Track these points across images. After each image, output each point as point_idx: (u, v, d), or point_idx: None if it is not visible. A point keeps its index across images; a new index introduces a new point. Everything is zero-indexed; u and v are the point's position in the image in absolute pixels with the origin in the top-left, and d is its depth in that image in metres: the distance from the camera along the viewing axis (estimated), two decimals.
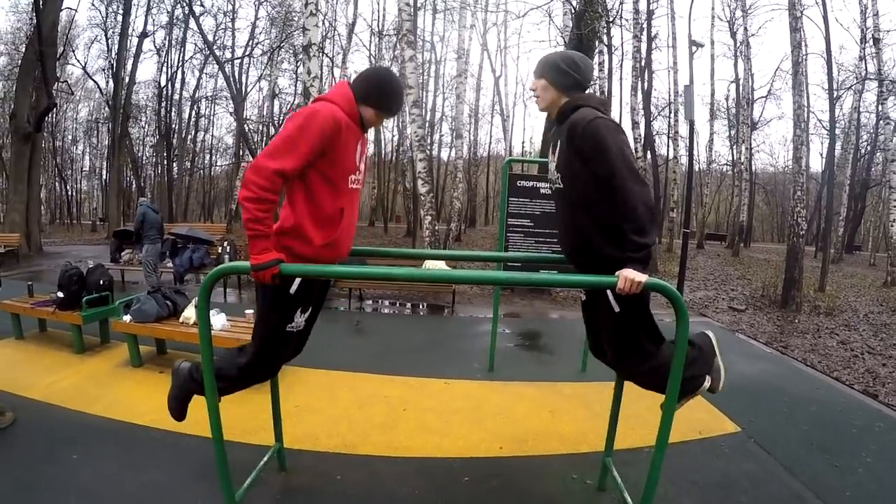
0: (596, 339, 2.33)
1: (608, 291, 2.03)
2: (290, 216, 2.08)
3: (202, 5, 22.07)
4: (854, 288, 14.35)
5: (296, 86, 25.75)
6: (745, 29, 22.00)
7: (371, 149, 24.50)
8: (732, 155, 27.42)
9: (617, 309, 2.05)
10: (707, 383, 2.18)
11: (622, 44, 18.66)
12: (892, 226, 14.67)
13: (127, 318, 4.36)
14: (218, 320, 4.16)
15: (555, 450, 3.17)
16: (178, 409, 2.32)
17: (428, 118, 24.22)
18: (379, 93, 2.13)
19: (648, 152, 18.93)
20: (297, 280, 2.12)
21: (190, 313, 4.26)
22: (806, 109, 10.07)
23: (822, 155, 28.09)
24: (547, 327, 6.56)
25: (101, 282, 4.88)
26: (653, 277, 1.84)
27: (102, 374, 4.15)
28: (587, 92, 2.16)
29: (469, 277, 2.14)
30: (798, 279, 9.37)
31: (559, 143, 2.11)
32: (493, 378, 4.43)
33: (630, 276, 1.80)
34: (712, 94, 25.63)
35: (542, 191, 4.52)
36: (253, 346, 2.21)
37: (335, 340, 5.43)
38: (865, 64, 18.85)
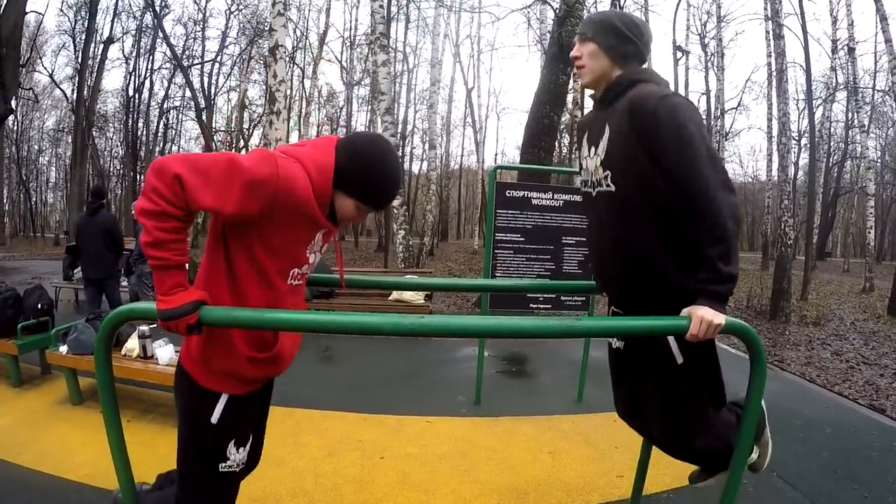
0: (631, 398, 1.78)
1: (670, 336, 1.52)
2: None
3: (167, 6, 21.41)
4: (834, 295, 14.38)
5: (266, 95, 25.13)
6: (720, 40, 22.20)
7: None
8: None
9: (680, 360, 1.52)
10: (754, 456, 1.74)
11: None
12: (869, 232, 14.75)
13: (63, 348, 3.83)
14: (164, 353, 3.60)
15: (562, 503, 2.73)
16: None
17: (399, 129, 23.87)
18: (366, 182, 1.41)
19: None
20: (221, 404, 1.43)
21: (133, 344, 3.72)
22: (788, 118, 9.96)
23: (794, 164, 28.58)
24: (531, 349, 6.09)
25: (40, 306, 4.41)
26: (729, 317, 1.37)
27: (38, 412, 3.68)
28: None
29: (487, 328, 1.46)
30: (787, 290, 9.19)
31: (606, 130, 1.56)
32: (480, 413, 3.97)
33: (707, 317, 1.32)
34: None
35: (535, 202, 4.11)
36: (180, 492, 1.53)
37: (299, 370, 4.77)
38: (836, 74, 19.16)
